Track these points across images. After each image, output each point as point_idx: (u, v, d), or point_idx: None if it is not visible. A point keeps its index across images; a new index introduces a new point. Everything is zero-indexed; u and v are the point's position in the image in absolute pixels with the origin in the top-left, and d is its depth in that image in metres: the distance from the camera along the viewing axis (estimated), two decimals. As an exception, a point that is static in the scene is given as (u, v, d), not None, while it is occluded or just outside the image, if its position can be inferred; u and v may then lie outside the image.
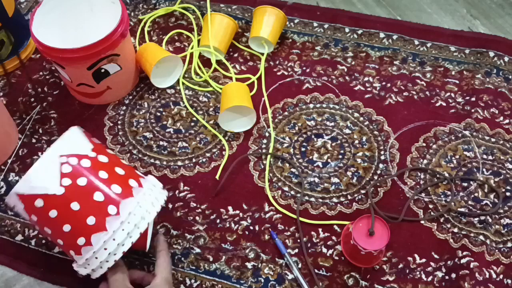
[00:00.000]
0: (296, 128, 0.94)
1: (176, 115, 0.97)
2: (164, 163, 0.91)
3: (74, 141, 0.70)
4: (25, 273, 0.82)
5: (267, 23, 1.01)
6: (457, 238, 0.80)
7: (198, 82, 1.01)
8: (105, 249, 0.65)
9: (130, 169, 0.73)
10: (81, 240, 0.65)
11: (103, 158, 0.69)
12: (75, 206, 0.65)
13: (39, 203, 0.65)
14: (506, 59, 1.00)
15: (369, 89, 0.98)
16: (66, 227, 0.65)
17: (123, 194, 0.67)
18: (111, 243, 0.65)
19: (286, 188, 0.87)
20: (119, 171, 0.70)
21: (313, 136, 0.93)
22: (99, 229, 0.65)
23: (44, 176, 0.65)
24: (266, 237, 0.82)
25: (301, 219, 0.83)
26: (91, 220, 0.65)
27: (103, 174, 0.67)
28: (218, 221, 0.84)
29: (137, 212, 0.67)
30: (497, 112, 0.93)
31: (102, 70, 0.91)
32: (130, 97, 1.00)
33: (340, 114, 0.95)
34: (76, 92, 0.97)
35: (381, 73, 1.00)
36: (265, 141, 0.93)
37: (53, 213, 0.65)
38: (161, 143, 0.93)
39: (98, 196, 0.66)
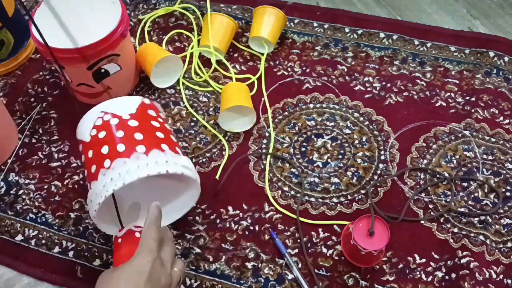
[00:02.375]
0: (296, 128, 0.94)
1: (176, 115, 0.97)
2: (164, 163, 0.91)
3: (121, 103, 0.78)
4: (25, 273, 0.82)
5: (267, 23, 1.01)
6: (457, 238, 0.80)
7: (198, 82, 1.01)
8: (96, 193, 0.70)
9: (154, 140, 0.74)
10: (88, 186, 0.73)
11: (133, 123, 0.75)
12: (90, 154, 0.73)
13: (80, 147, 0.77)
14: (506, 59, 1.00)
15: (369, 89, 0.98)
16: (85, 172, 0.75)
17: (123, 153, 0.71)
18: (101, 189, 0.70)
19: (286, 188, 0.87)
20: (138, 136, 0.73)
21: (313, 136, 0.93)
22: (94, 178, 0.71)
23: (84, 126, 0.77)
24: (266, 237, 0.82)
25: (301, 219, 0.83)
26: (93, 169, 0.72)
27: (120, 133, 0.73)
28: (218, 221, 0.84)
29: (121, 170, 0.70)
30: (497, 112, 0.93)
31: (102, 70, 0.91)
32: (130, 97, 1.00)
33: (340, 114, 0.95)
34: (76, 92, 0.97)
35: (381, 73, 1.00)
36: (265, 141, 0.93)
37: (83, 158, 0.76)
38: (161, 143, 0.93)
39: (104, 149, 0.72)
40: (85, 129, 0.76)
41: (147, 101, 0.80)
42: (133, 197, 0.81)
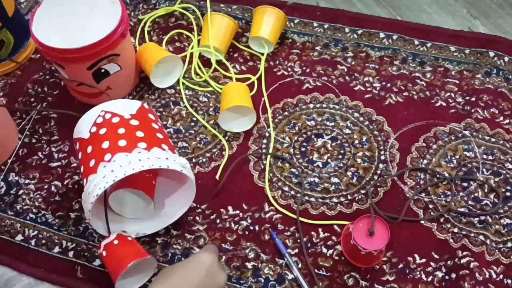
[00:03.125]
0: (296, 128, 0.94)
1: (176, 115, 0.97)
2: (164, 163, 0.91)
3: (122, 104, 0.79)
4: (25, 273, 0.82)
5: (267, 23, 1.01)
6: (457, 238, 0.80)
7: (198, 82, 1.01)
8: (94, 185, 0.71)
9: (155, 139, 0.76)
10: (85, 181, 0.73)
11: (134, 122, 0.76)
12: (89, 149, 0.74)
13: (77, 145, 0.78)
14: (506, 59, 1.00)
15: (369, 89, 0.98)
16: (82, 168, 0.75)
17: (124, 148, 0.72)
18: (100, 180, 0.71)
19: (286, 188, 0.87)
20: (139, 134, 0.75)
21: (313, 136, 0.93)
22: (93, 171, 0.72)
23: (83, 124, 0.77)
24: (266, 237, 0.82)
25: (301, 219, 0.83)
26: (91, 163, 0.73)
27: (121, 130, 0.74)
28: (218, 221, 0.84)
29: (122, 162, 0.70)
30: (497, 112, 0.93)
31: (102, 70, 0.91)
32: (130, 97, 1.00)
33: (340, 114, 0.95)
34: (76, 92, 0.97)
35: (381, 73, 1.00)
36: (265, 141, 0.93)
37: (80, 155, 0.77)
38: (161, 143, 0.93)
39: (105, 144, 0.73)
40: (84, 127, 0.77)
41: (146, 105, 0.81)
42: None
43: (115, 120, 0.76)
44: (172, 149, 0.77)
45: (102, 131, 0.75)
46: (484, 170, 0.87)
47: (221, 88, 0.98)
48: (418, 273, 0.78)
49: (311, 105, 0.97)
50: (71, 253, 0.82)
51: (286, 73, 1.01)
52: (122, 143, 0.72)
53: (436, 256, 0.79)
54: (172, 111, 0.97)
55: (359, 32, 1.06)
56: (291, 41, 1.06)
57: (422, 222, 0.82)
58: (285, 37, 1.07)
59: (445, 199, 0.84)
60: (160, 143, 0.75)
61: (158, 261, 0.81)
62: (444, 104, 0.95)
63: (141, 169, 0.69)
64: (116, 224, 0.80)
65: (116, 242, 0.74)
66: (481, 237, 0.80)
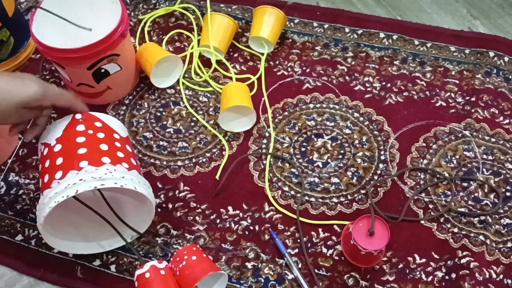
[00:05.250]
0: (296, 128, 0.94)
1: (176, 115, 0.97)
2: (164, 163, 0.91)
3: (50, 129, 0.77)
4: (25, 273, 0.82)
5: (267, 23, 1.01)
6: (457, 238, 0.80)
7: (198, 82, 1.01)
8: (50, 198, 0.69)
9: (115, 157, 0.74)
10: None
11: (100, 134, 0.75)
12: (47, 163, 0.73)
13: (42, 148, 0.76)
14: (506, 59, 1.00)
15: (369, 89, 0.98)
16: (41, 180, 0.74)
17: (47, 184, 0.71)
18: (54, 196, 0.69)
19: (286, 188, 0.87)
20: (104, 146, 0.74)
21: (313, 136, 0.93)
22: (47, 187, 0.70)
23: (52, 129, 0.75)
24: (266, 237, 0.82)
25: (301, 219, 0.83)
26: (45, 179, 0.72)
27: (81, 139, 0.73)
28: (218, 221, 0.84)
29: (73, 180, 0.69)
30: (497, 112, 0.93)
31: (102, 70, 0.91)
32: (130, 97, 1.00)
33: (340, 114, 0.95)
34: (76, 92, 0.97)
35: (381, 73, 1.00)
36: (265, 141, 0.93)
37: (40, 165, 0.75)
38: (161, 143, 0.93)
39: (59, 161, 0.72)
40: (51, 133, 0.76)
41: (78, 116, 0.77)
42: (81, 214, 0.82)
43: (80, 128, 0.75)
44: (122, 161, 0.74)
45: (60, 144, 0.73)
46: (484, 170, 0.87)
47: (221, 88, 0.98)
48: (418, 273, 0.78)
49: (311, 105, 0.97)
50: (71, 253, 0.82)
51: (286, 73, 1.01)
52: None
53: (436, 256, 0.79)
54: (172, 111, 0.97)
55: (359, 32, 1.06)
56: (291, 41, 1.06)
57: (422, 222, 0.82)
58: (285, 37, 1.07)
59: (445, 199, 0.84)
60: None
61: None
62: (444, 104, 0.95)
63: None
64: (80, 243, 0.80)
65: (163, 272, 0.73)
66: (481, 237, 0.80)
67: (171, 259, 0.76)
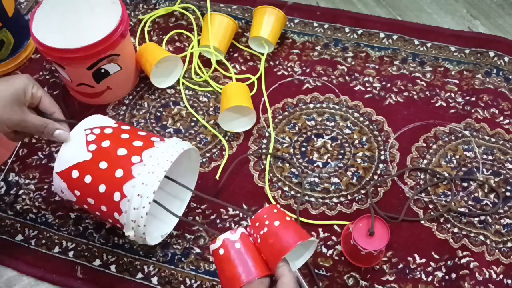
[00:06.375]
0: (296, 128, 0.94)
1: (176, 115, 0.97)
2: (164, 163, 0.91)
3: (97, 119, 0.77)
4: (25, 273, 0.82)
5: (267, 23, 1.01)
6: (457, 238, 0.80)
7: (198, 82, 1.01)
8: (138, 195, 0.68)
9: (151, 134, 0.77)
10: (116, 196, 0.69)
11: (125, 127, 0.76)
12: (103, 165, 0.70)
13: (75, 173, 0.71)
14: (506, 59, 1.00)
15: (369, 89, 0.98)
16: (102, 188, 0.70)
17: (144, 146, 0.71)
18: (140, 187, 0.68)
19: (286, 188, 0.87)
20: (141, 133, 0.75)
21: (313, 136, 0.93)
22: (127, 178, 0.69)
23: (73, 149, 0.72)
24: (266, 237, 0.82)
25: (301, 219, 0.83)
26: (119, 173, 0.69)
27: (125, 135, 0.73)
28: (218, 221, 0.84)
29: (157, 154, 0.70)
30: (497, 112, 0.93)
31: (102, 70, 0.91)
32: (130, 97, 1.00)
33: (340, 114, 0.95)
34: (76, 92, 0.97)
35: (381, 73, 1.00)
36: (265, 141, 0.93)
37: (88, 179, 0.71)
38: (161, 143, 0.93)
39: (121, 151, 0.71)
40: (74, 152, 0.72)
41: (87, 131, 0.77)
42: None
43: (108, 131, 0.74)
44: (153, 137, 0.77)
45: (105, 143, 0.72)
46: (484, 170, 0.87)
47: (221, 88, 0.98)
48: (418, 273, 0.78)
49: (311, 105, 0.97)
50: (71, 253, 0.82)
51: (286, 73, 1.01)
52: (138, 143, 0.72)
53: (436, 256, 0.79)
54: (172, 111, 0.97)
55: (359, 32, 1.06)
56: (291, 41, 1.06)
57: (422, 222, 0.82)
58: (285, 37, 1.07)
59: (445, 199, 0.84)
60: (150, 137, 0.75)
61: (158, 261, 0.81)
62: (444, 104, 0.95)
63: (184, 148, 0.72)
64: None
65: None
66: (481, 237, 0.80)
67: (250, 223, 0.66)
